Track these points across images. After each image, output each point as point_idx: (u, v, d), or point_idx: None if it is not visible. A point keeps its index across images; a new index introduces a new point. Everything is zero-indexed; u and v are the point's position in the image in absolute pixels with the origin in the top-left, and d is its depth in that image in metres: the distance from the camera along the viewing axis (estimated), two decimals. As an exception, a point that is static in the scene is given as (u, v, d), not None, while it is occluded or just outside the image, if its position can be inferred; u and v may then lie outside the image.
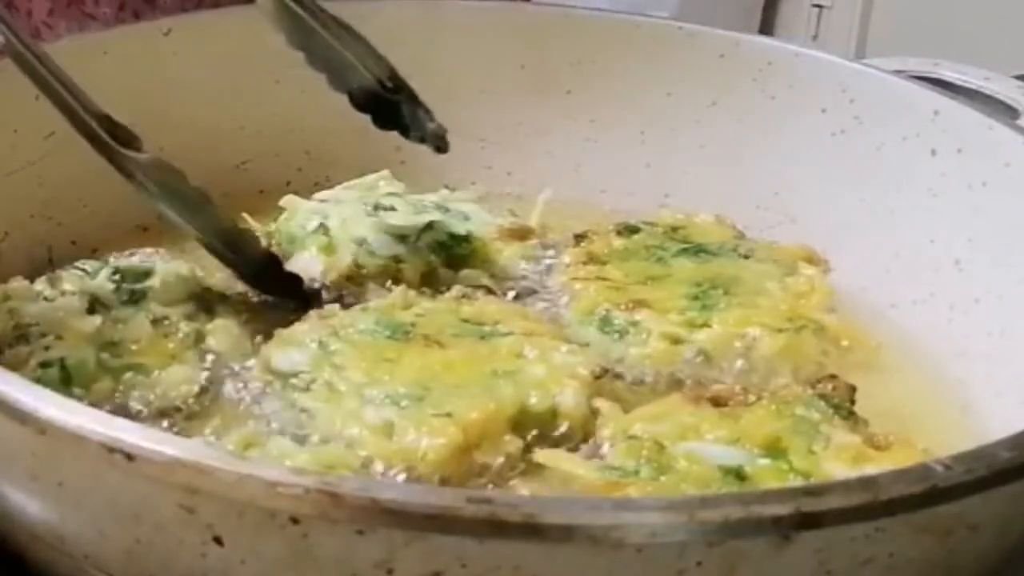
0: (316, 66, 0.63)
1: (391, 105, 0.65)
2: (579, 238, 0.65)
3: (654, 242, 0.64)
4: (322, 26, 0.63)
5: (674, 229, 0.65)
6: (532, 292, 0.62)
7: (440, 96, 0.73)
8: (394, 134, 0.73)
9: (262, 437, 0.49)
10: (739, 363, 0.56)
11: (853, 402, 0.53)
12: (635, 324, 0.57)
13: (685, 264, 0.62)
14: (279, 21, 0.63)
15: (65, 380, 0.51)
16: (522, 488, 0.48)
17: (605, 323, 0.58)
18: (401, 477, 0.47)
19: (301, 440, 0.49)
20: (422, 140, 0.65)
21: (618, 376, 0.56)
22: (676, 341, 0.56)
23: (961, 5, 2.06)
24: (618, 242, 0.64)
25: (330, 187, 0.70)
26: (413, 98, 0.65)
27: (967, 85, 0.74)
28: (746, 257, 0.62)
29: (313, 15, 0.63)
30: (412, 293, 0.59)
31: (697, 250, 0.63)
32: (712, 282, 0.60)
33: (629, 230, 0.65)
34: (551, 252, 0.65)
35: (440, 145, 0.64)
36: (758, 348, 0.56)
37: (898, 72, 0.69)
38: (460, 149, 0.73)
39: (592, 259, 0.63)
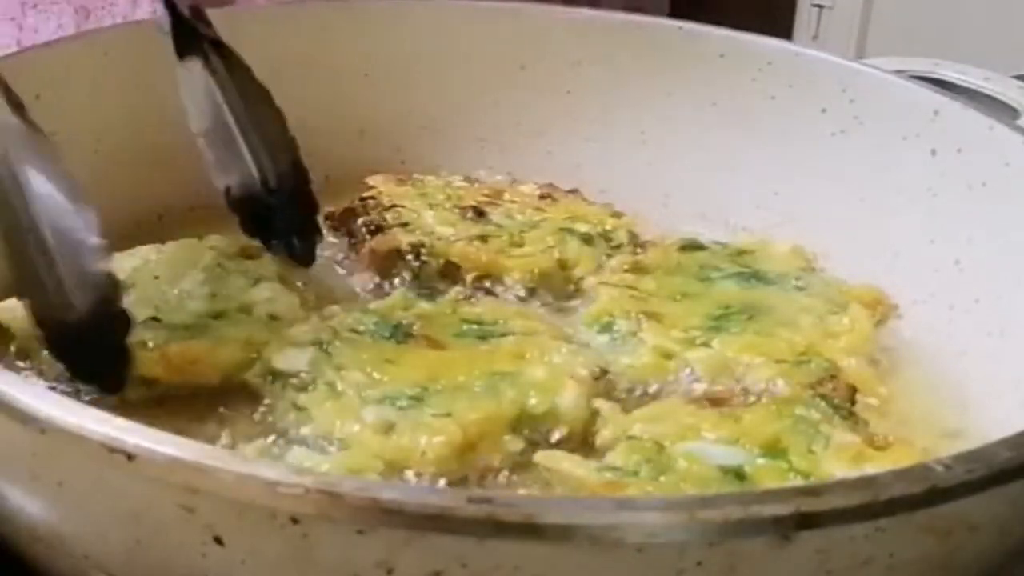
0: (210, 148, 0.60)
1: (266, 208, 0.62)
2: (638, 246, 0.65)
3: (713, 262, 0.63)
4: (232, 107, 0.60)
5: (740, 253, 0.64)
6: (571, 291, 0.62)
7: (440, 96, 0.73)
8: (395, 136, 0.73)
9: (281, 447, 0.49)
10: (720, 388, 0.54)
11: (853, 402, 0.53)
12: (635, 334, 0.57)
13: (728, 288, 0.61)
14: (191, 94, 0.60)
15: None
16: (522, 488, 0.48)
17: (606, 328, 0.57)
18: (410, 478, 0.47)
19: (310, 445, 0.49)
20: (290, 254, 0.62)
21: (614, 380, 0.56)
22: (668, 356, 0.55)
23: (961, 5, 2.06)
24: (675, 256, 0.63)
25: (330, 187, 0.70)
26: (301, 204, 0.62)
27: (967, 85, 0.74)
28: (800, 290, 0.61)
29: (231, 90, 0.60)
30: (412, 294, 0.59)
31: (751, 276, 0.62)
32: (742, 307, 0.59)
33: (693, 247, 0.64)
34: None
35: (302, 262, 0.62)
36: (749, 375, 0.54)
37: (898, 72, 0.69)
38: (460, 149, 0.73)
39: (636, 268, 0.62)
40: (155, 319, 0.55)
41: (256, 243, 0.62)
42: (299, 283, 0.61)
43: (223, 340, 0.54)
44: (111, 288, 0.50)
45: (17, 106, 0.50)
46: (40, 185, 0.49)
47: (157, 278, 0.58)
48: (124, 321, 0.51)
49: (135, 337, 0.52)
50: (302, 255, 0.62)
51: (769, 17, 1.01)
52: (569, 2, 0.73)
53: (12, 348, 0.54)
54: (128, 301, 0.53)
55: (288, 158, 0.62)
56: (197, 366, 0.53)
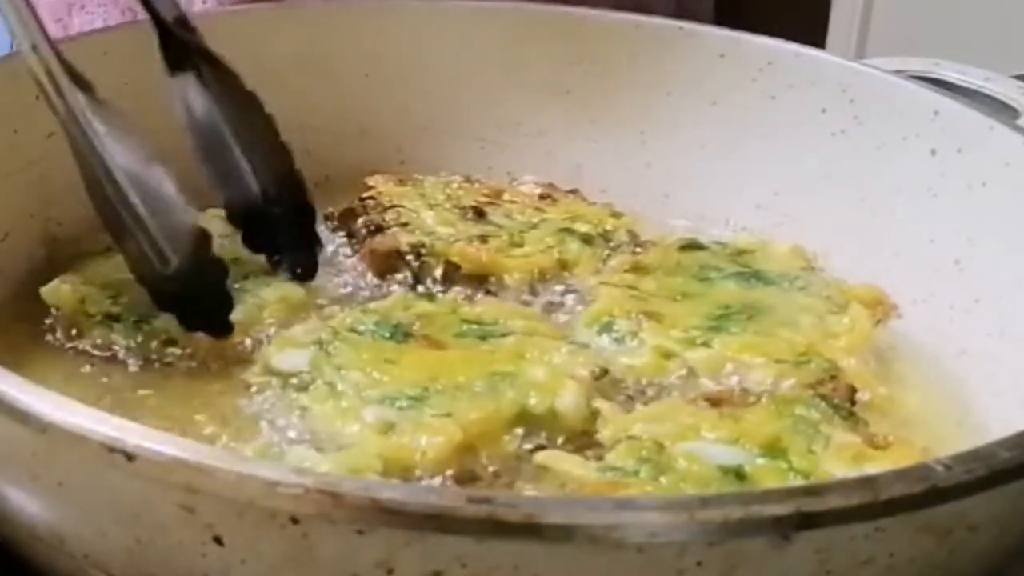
0: (206, 163, 0.61)
1: (266, 220, 0.61)
2: (638, 246, 0.65)
3: (712, 262, 0.63)
4: (227, 119, 0.60)
5: (740, 253, 0.64)
6: (571, 291, 0.62)
7: (440, 96, 0.73)
8: (395, 136, 0.73)
9: (281, 447, 0.49)
10: (720, 388, 0.54)
11: (853, 402, 0.53)
12: (634, 334, 0.56)
13: (728, 287, 0.60)
14: (185, 108, 0.60)
15: None
16: (522, 488, 0.48)
17: (606, 328, 0.57)
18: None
19: (310, 445, 0.49)
20: (292, 270, 0.60)
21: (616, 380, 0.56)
22: (667, 356, 0.55)
23: (961, 5, 2.06)
24: (675, 256, 0.63)
25: (330, 187, 0.70)
26: (302, 213, 0.61)
27: (967, 85, 0.74)
28: (800, 290, 0.60)
29: (224, 102, 0.60)
30: (412, 294, 0.59)
31: (751, 276, 0.61)
32: (742, 307, 0.58)
33: (693, 247, 0.64)
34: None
35: (305, 276, 0.60)
36: (749, 376, 0.54)
37: (898, 72, 0.69)
38: (460, 149, 0.73)
39: (636, 268, 0.62)
40: None
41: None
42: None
43: (266, 301, 0.58)
44: (202, 238, 0.53)
45: (85, 87, 0.53)
46: (118, 150, 0.53)
47: None
48: (220, 268, 0.55)
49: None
50: (305, 268, 0.61)
51: (809, 25, 1.01)
52: (615, 6, 0.73)
53: (59, 326, 0.57)
54: None
55: (284, 165, 0.61)
56: (250, 328, 0.56)
